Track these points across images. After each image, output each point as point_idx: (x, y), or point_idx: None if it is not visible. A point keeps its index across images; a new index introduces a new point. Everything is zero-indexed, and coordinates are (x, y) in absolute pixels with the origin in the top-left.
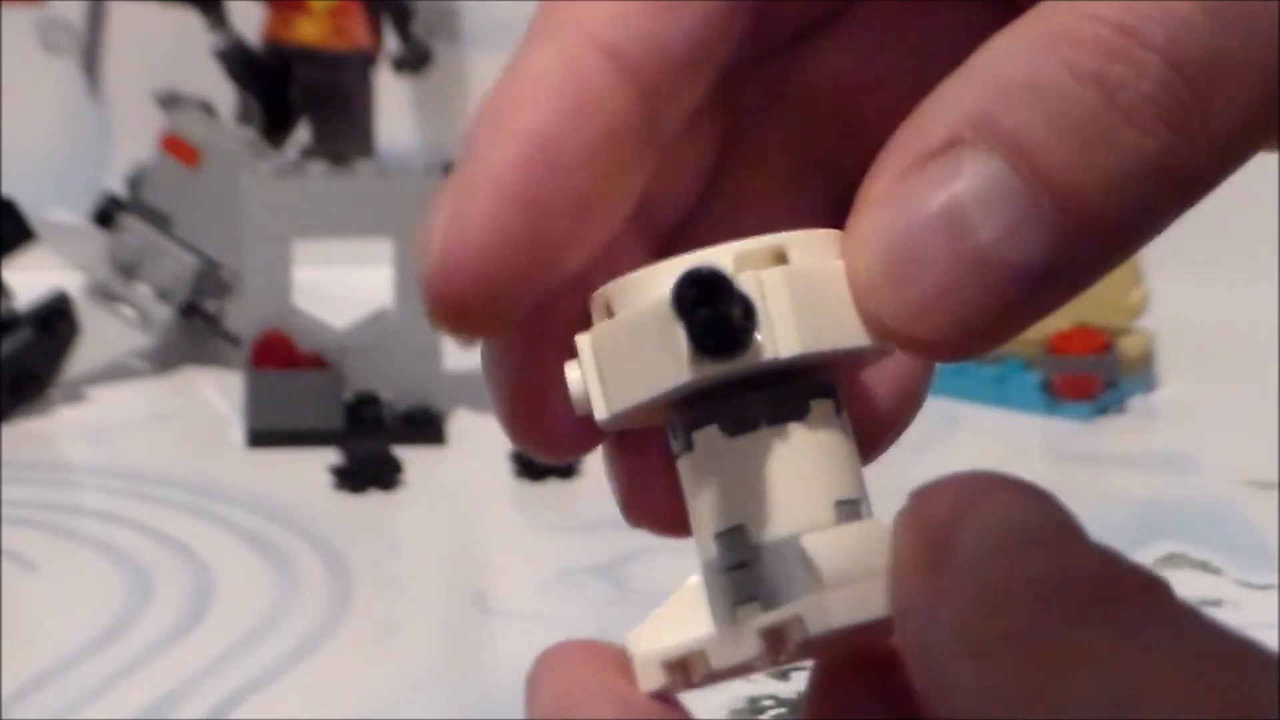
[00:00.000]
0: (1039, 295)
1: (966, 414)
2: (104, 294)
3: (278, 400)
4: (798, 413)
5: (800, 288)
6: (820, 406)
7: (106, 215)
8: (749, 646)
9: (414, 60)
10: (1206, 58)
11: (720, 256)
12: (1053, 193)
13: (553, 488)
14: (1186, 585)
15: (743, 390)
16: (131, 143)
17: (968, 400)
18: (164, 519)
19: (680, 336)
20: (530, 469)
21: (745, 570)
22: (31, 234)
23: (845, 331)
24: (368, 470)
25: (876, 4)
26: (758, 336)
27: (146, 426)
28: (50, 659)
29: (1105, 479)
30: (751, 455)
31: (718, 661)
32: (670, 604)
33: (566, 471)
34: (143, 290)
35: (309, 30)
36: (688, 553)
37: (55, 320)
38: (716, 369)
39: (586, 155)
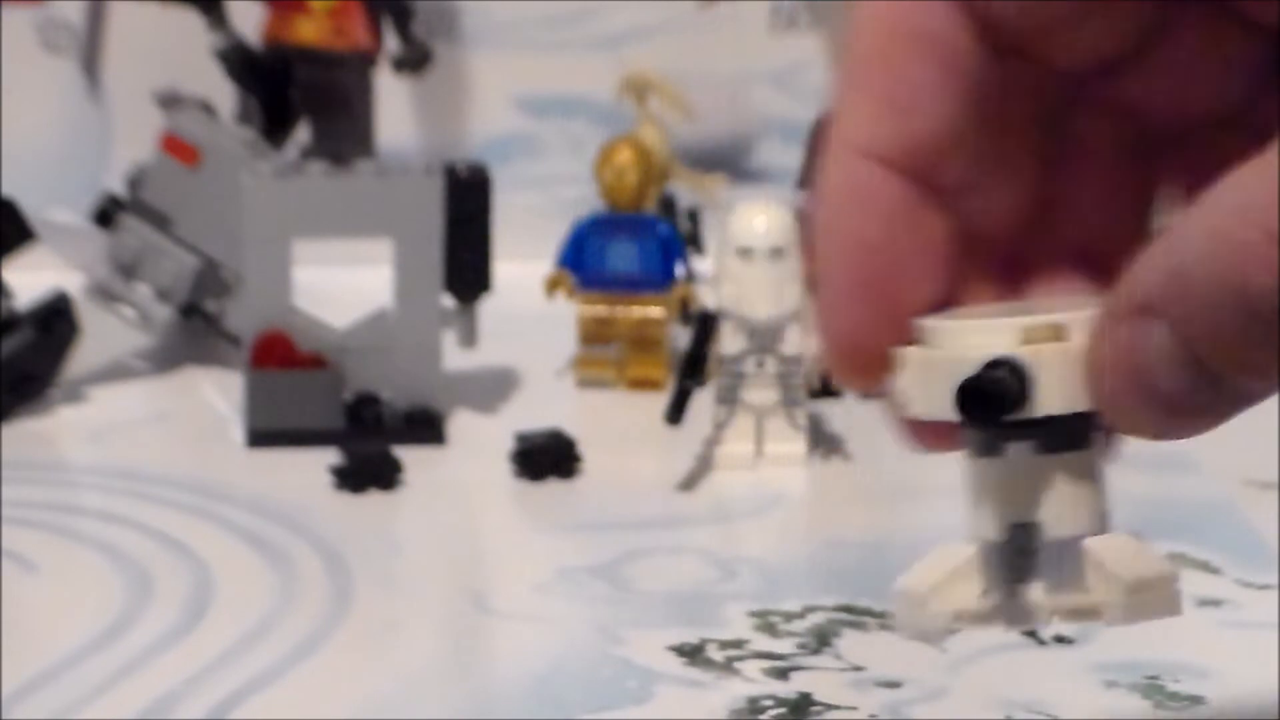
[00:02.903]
0: (1186, 422)
1: None
2: (104, 294)
3: (278, 400)
4: (1081, 444)
5: (1067, 363)
6: (1096, 442)
7: (106, 215)
8: (1034, 617)
9: (414, 60)
10: None
11: (1007, 333)
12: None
13: (553, 488)
14: (1186, 585)
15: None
16: (131, 143)
17: None
18: (164, 519)
19: None
20: (530, 469)
21: (1029, 557)
22: (31, 234)
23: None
24: (368, 470)
25: (1180, 36)
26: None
27: (146, 426)
28: (50, 659)
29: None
30: (1048, 470)
31: (1010, 624)
32: (935, 561)
33: (567, 472)
34: (143, 290)
35: (309, 30)
36: (688, 553)
37: (55, 320)
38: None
39: (882, 241)
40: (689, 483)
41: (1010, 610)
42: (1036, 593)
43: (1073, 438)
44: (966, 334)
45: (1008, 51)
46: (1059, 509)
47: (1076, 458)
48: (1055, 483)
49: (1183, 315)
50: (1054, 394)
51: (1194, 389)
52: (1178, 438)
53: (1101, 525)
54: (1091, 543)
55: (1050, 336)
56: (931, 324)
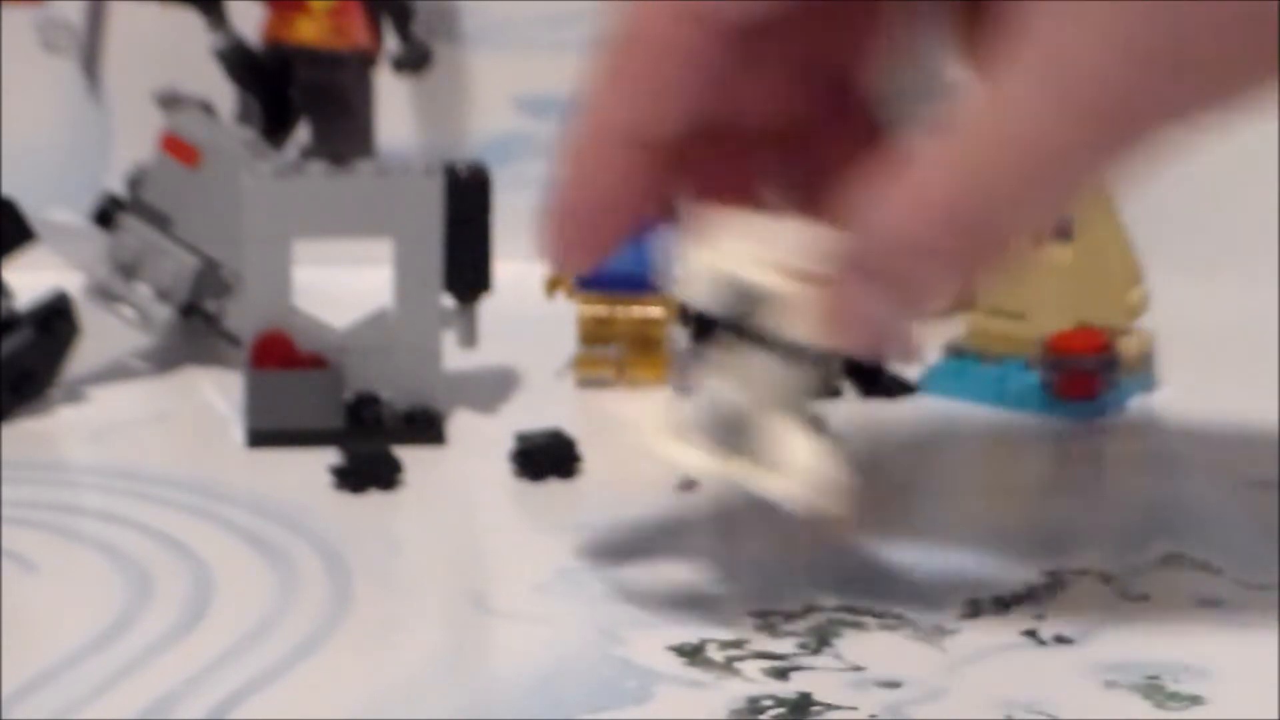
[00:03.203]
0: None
1: (966, 414)
2: (104, 294)
3: (278, 400)
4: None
5: (801, 303)
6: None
7: (106, 215)
8: (723, 473)
9: (414, 60)
10: None
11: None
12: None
13: (553, 488)
14: (1187, 586)
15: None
16: (131, 143)
17: (967, 400)
18: (164, 519)
19: None
20: (530, 469)
21: (733, 428)
22: (31, 234)
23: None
24: (368, 470)
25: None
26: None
27: (146, 426)
28: (50, 659)
29: (1105, 479)
30: (770, 367)
31: (700, 474)
32: (662, 411)
33: (567, 472)
34: (143, 290)
35: (309, 30)
36: (688, 553)
37: (55, 320)
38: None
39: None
40: (688, 483)
41: (714, 472)
42: (740, 463)
43: (796, 353)
44: (740, 254)
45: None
46: (770, 397)
47: (795, 367)
48: (772, 377)
49: (896, 278)
50: (792, 324)
51: (901, 323)
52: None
53: (810, 422)
54: (791, 434)
55: (797, 276)
56: (720, 228)
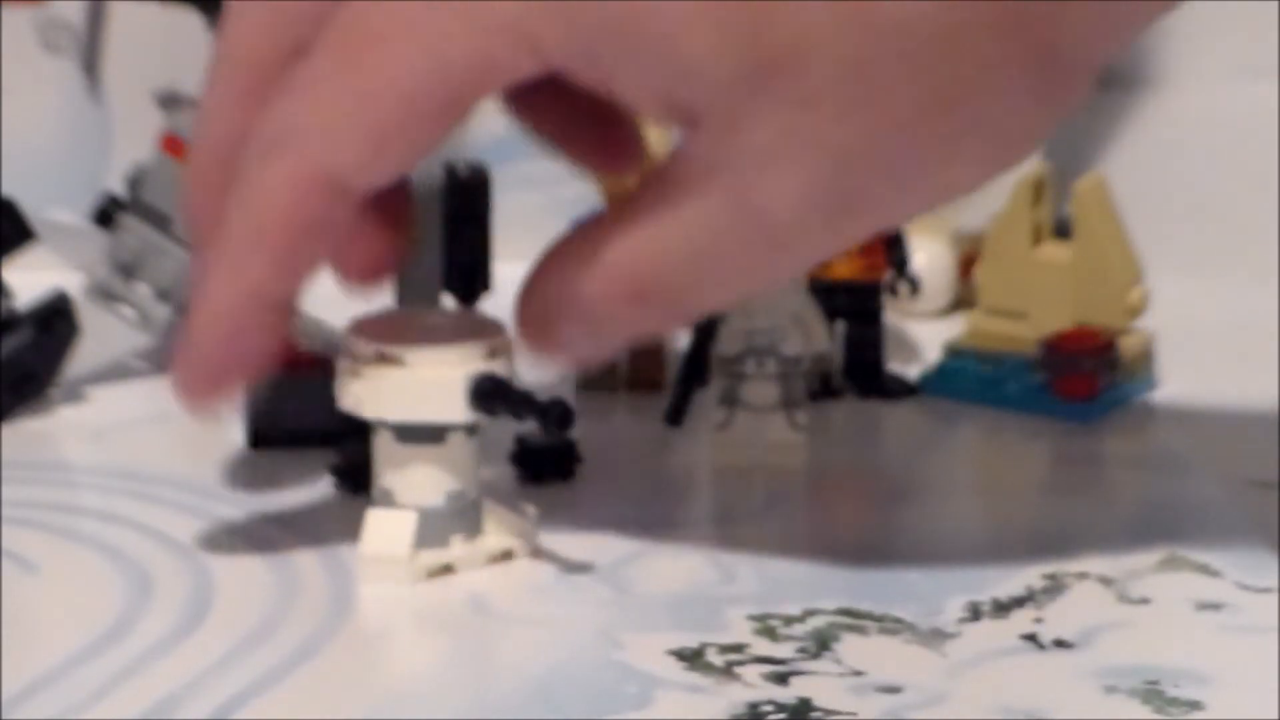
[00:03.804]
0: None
1: (966, 414)
2: (104, 294)
3: (278, 400)
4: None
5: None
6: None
7: (106, 215)
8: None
9: None
10: None
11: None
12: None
13: (553, 488)
14: (1186, 589)
15: None
16: (131, 143)
17: (967, 400)
18: (164, 519)
19: None
20: (530, 470)
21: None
22: (31, 234)
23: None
24: (368, 470)
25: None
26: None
27: (146, 426)
28: (50, 661)
29: (1105, 479)
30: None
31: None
32: (386, 527)
33: (566, 472)
34: (143, 290)
35: None
36: (688, 555)
37: (55, 320)
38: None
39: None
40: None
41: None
42: (458, 545)
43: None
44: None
45: None
46: (470, 477)
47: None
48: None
49: (586, 323)
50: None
51: (593, 351)
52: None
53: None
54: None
55: (504, 350)
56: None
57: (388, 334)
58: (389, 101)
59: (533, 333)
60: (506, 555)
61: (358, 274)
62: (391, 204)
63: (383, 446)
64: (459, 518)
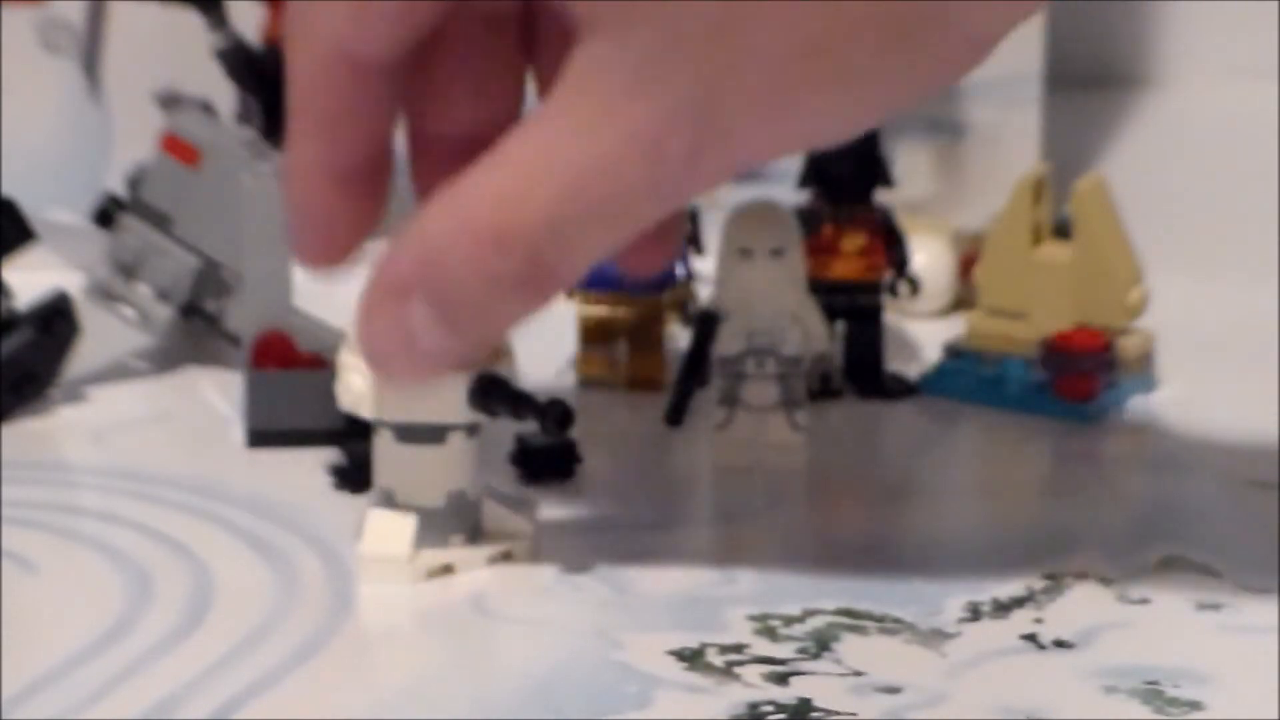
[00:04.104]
0: (441, 366)
1: (966, 414)
2: (104, 294)
3: (278, 400)
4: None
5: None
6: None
7: (106, 215)
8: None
9: None
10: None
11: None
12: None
13: (553, 488)
14: (1187, 589)
15: None
16: (131, 143)
17: (967, 400)
18: (164, 519)
19: None
20: (530, 470)
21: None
22: (31, 234)
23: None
24: (368, 470)
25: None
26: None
27: (146, 426)
28: (49, 661)
29: (1105, 479)
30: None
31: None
32: (385, 527)
33: (566, 472)
34: (143, 290)
35: None
36: (688, 555)
37: (55, 320)
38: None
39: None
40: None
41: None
42: (458, 545)
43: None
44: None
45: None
46: (470, 477)
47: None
48: (465, 460)
49: (438, 290)
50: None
51: (446, 342)
52: (430, 378)
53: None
54: (487, 505)
55: (504, 351)
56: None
57: None
58: None
59: (377, 324)
60: (506, 555)
61: (323, 251)
62: (367, 184)
63: (383, 446)
64: (459, 518)
